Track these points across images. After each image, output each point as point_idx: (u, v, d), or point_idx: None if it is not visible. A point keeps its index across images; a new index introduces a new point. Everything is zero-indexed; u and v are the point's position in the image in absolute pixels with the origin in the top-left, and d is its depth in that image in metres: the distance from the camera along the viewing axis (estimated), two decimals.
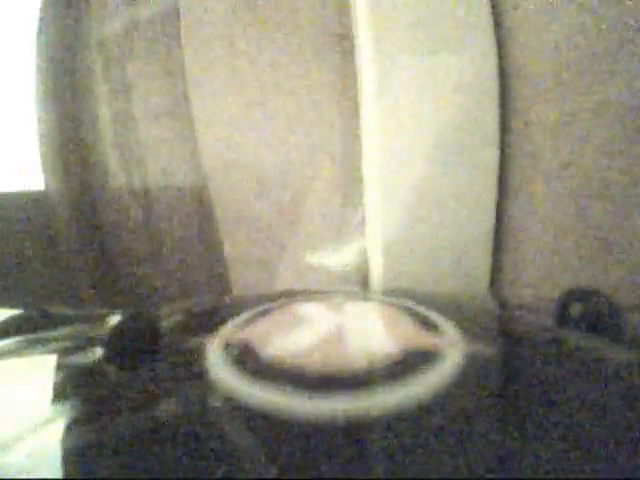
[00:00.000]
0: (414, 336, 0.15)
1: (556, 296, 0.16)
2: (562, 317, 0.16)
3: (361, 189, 0.38)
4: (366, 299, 0.21)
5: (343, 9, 0.37)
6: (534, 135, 0.32)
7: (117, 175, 0.51)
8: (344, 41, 0.38)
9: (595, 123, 0.29)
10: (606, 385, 0.12)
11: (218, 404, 0.11)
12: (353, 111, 0.38)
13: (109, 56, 0.49)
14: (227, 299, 0.27)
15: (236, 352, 0.14)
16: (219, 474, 0.09)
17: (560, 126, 0.30)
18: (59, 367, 0.15)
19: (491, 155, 0.33)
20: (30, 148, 0.51)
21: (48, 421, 0.11)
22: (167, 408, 0.11)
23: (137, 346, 0.15)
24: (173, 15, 0.44)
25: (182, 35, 0.44)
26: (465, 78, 0.31)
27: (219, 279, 0.48)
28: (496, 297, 0.31)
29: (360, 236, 0.39)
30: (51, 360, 0.16)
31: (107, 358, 0.14)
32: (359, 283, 0.39)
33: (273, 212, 0.43)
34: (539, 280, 0.33)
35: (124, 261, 0.52)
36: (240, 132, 0.43)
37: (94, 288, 0.53)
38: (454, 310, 0.19)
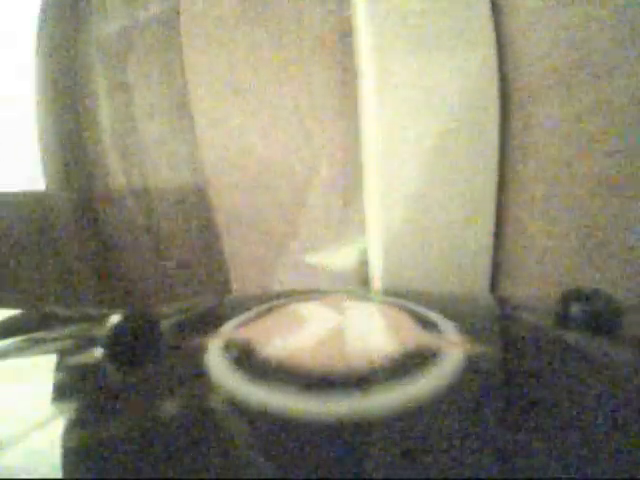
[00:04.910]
0: (414, 336, 0.15)
1: (556, 296, 0.16)
2: (562, 317, 0.16)
3: (361, 189, 0.38)
4: (366, 299, 0.21)
5: (343, 9, 0.37)
6: (534, 135, 0.32)
7: (117, 175, 0.51)
8: (344, 40, 0.38)
9: (595, 123, 0.29)
10: (606, 385, 0.12)
11: (218, 404, 0.11)
12: (353, 111, 0.38)
13: (109, 56, 0.49)
14: (227, 299, 0.27)
15: (236, 352, 0.14)
16: (219, 474, 0.09)
17: (560, 126, 0.30)
18: (59, 367, 0.15)
19: (491, 155, 0.33)
20: (30, 148, 0.51)
21: (48, 421, 0.11)
22: (167, 408, 0.11)
23: (137, 346, 0.15)
24: (173, 15, 0.44)
25: (182, 35, 0.44)
26: (465, 78, 0.31)
27: (219, 279, 0.48)
28: (496, 297, 0.31)
29: (360, 236, 0.39)
30: (51, 360, 0.16)
31: (107, 358, 0.14)
32: (359, 283, 0.39)
33: (273, 212, 0.43)
34: (539, 280, 0.33)
35: (124, 261, 0.52)
36: (240, 132, 0.43)
37: (94, 288, 0.53)
38: (454, 310, 0.19)
